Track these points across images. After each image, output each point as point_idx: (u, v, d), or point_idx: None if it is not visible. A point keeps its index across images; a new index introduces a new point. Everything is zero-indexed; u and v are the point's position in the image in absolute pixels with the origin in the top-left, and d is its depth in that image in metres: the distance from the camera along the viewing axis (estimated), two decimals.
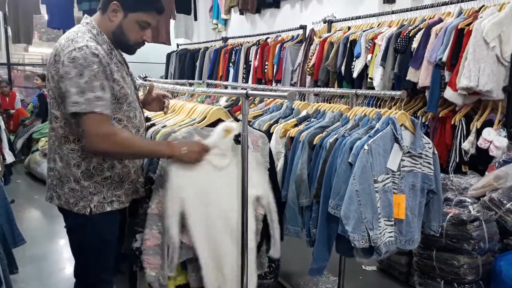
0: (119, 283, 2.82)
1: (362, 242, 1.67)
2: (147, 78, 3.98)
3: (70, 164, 1.55)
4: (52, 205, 1.68)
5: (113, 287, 1.76)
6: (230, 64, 5.74)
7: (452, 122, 2.98)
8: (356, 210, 1.66)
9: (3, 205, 2.80)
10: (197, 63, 6.59)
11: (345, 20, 4.22)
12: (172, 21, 7.12)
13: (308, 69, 4.25)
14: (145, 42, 1.66)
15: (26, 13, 6.39)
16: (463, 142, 2.90)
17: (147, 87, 2.79)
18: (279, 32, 5.24)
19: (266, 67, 5.03)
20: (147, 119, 2.14)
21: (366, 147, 1.66)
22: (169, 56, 7.50)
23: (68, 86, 1.42)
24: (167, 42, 7.16)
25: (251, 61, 5.35)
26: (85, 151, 1.53)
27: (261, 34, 5.60)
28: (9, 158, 4.68)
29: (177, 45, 7.83)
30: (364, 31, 3.70)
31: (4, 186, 4.86)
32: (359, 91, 2.16)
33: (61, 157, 1.56)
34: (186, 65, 6.86)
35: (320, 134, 1.94)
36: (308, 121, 2.15)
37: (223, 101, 3.16)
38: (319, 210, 1.84)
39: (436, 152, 1.91)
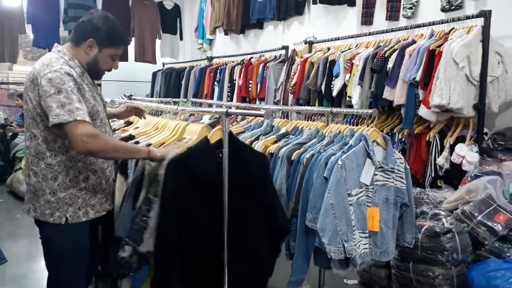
0: None
1: (338, 253, 1.74)
2: (132, 97, 4.05)
3: (47, 178, 1.69)
4: (34, 225, 1.79)
5: None
6: (215, 83, 5.84)
7: (427, 139, 3.11)
8: (332, 222, 1.74)
9: None
10: (183, 82, 6.67)
11: (325, 41, 4.37)
12: (158, 41, 7.25)
13: (290, 88, 4.37)
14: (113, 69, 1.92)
15: (11, 32, 6.42)
16: (438, 157, 3.02)
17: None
18: (262, 52, 5.38)
19: (250, 85, 5.15)
20: (131, 137, 2.20)
21: (340, 162, 1.75)
22: (155, 74, 7.57)
23: (48, 102, 1.58)
24: (153, 61, 7.28)
25: (235, 80, 5.46)
26: (61, 166, 1.70)
27: (245, 54, 5.73)
28: None
29: (163, 64, 7.92)
30: (342, 52, 3.84)
31: None
32: (334, 110, 2.27)
33: (35, 173, 1.70)
34: (171, 83, 6.93)
35: (298, 150, 2.02)
36: (287, 138, 2.24)
37: (206, 119, 3.24)
38: (297, 223, 1.91)
39: (407, 167, 2.01)
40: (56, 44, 1.81)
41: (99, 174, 1.80)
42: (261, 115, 1.54)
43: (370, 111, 2.12)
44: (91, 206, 1.77)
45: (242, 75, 5.29)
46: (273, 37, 5.59)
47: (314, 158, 1.88)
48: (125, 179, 2.09)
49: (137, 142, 2.10)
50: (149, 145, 1.94)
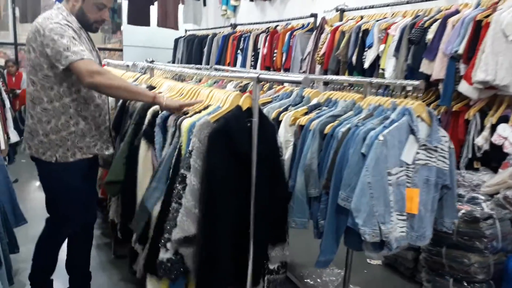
0: (120, 267, 2.80)
1: (373, 236, 1.61)
2: (154, 62, 3.91)
3: (41, 120, 1.90)
4: None
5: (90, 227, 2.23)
6: (238, 51, 5.65)
7: (466, 117, 2.90)
8: (368, 203, 1.60)
9: (5, 184, 2.76)
10: (205, 49, 6.50)
11: (357, 9, 4.11)
12: (180, 6, 7.02)
13: (318, 58, 4.16)
14: (105, 21, 2.03)
15: None
16: (477, 137, 2.82)
17: (152, 70, 2.75)
18: (289, 20, 5.14)
19: (275, 55, 4.94)
20: None
21: (381, 137, 1.59)
22: (176, 41, 7.41)
23: (56, 48, 1.76)
24: (175, 27, 7.08)
25: (259, 48, 5.26)
26: (55, 111, 1.89)
27: (271, 22, 5.49)
28: (14, 137, 4.62)
29: (185, 31, 7.74)
30: (377, 21, 3.60)
31: (8, 165, 4.86)
32: (374, 80, 2.08)
33: (32, 116, 1.91)
34: (193, 51, 6.77)
35: (332, 123, 1.86)
36: (319, 109, 2.08)
37: (230, 87, 3.09)
38: (328, 201, 1.78)
39: (452, 146, 1.83)
40: (56, 2, 1.92)
41: (89, 121, 1.99)
42: (299, 82, 1.39)
43: (415, 82, 1.93)
44: (78, 148, 1.96)
45: (267, 43, 5.08)
46: (301, 5, 5.31)
47: (350, 132, 1.72)
48: (149, 147, 1.98)
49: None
50: (185, 113, 1.81)
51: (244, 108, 1.70)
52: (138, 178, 2.00)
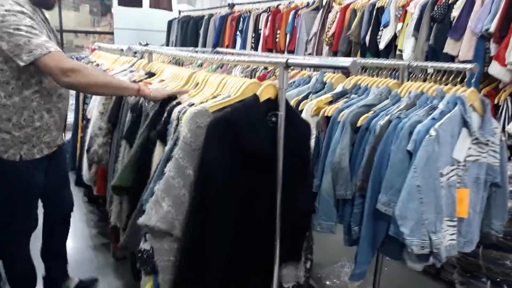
0: (120, 272, 2.57)
1: (422, 247, 1.37)
2: (148, 45, 3.62)
3: (1, 118, 1.70)
4: None
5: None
6: (237, 33, 5.33)
7: (496, 101, 2.66)
8: (417, 209, 1.36)
9: None
10: (201, 31, 6.16)
11: None
12: None
13: (327, 39, 3.88)
14: None
15: None
16: (508, 124, 2.58)
17: (151, 54, 2.47)
18: None
19: (277, 36, 4.64)
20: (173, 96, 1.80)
21: (432, 132, 1.34)
22: (170, 23, 7.04)
23: (13, 41, 1.55)
24: (169, 8, 6.74)
25: (261, 29, 4.95)
26: (15, 106, 1.70)
27: (271, 0, 5.16)
28: None
29: (179, 12, 7.36)
30: None
31: None
32: (414, 63, 1.81)
33: None
34: (188, 33, 6.42)
35: (366, 114, 1.61)
36: (347, 97, 1.82)
37: (236, 72, 2.82)
38: (364, 205, 1.54)
39: (503, 139, 1.59)
40: None
41: (54, 113, 1.83)
42: (344, 68, 1.13)
43: (468, 66, 1.67)
44: (45, 144, 1.83)
45: (269, 24, 4.77)
46: None
47: (392, 125, 1.47)
48: (164, 147, 1.72)
49: (178, 103, 1.70)
50: (192, 105, 1.55)
51: (263, 98, 1.43)
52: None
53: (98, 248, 2.87)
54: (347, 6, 3.70)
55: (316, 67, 2.00)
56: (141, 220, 1.36)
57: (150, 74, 2.38)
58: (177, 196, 1.35)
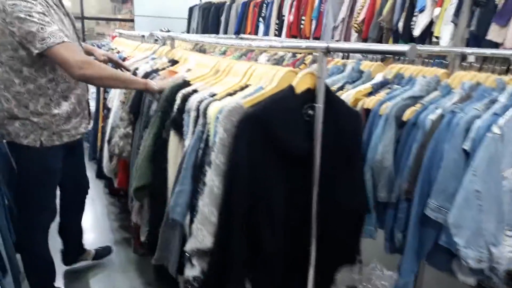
0: (142, 268, 2.48)
1: (479, 260, 1.21)
2: (170, 31, 3.48)
3: (19, 104, 1.67)
4: None
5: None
6: (260, 19, 5.15)
7: None
8: (474, 217, 1.19)
9: (8, 173, 2.43)
10: (222, 18, 6.00)
11: None
12: None
13: (356, 25, 3.67)
14: None
15: None
16: None
17: (173, 40, 2.34)
18: None
19: (302, 22, 4.45)
20: (185, 83, 1.66)
21: (496, 130, 1.17)
22: (191, 10, 6.90)
23: (26, 28, 1.50)
24: None
25: (284, 16, 4.76)
26: (31, 93, 1.66)
27: None
28: None
29: None
30: None
31: None
32: (468, 49, 1.62)
33: (7, 99, 1.67)
34: (210, 20, 6.27)
35: (413, 107, 1.44)
36: (389, 88, 1.65)
37: (263, 60, 2.66)
38: (410, 210, 1.38)
39: None
40: None
41: (72, 100, 1.79)
42: (402, 53, 0.96)
43: None
44: (65, 131, 1.78)
45: (293, 10, 4.57)
46: None
47: (445, 120, 1.30)
48: (180, 138, 1.60)
49: (194, 91, 1.57)
50: (213, 95, 1.41)
51: (300, 90, 1.28)
52: (169, 180, 1.62)
53: (119, 243, 2.77)
54: None
55: (364, 53, 1.82)
56: (192, 246, 1.24)
57: (173, 62, 2.25)
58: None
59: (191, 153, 1.43)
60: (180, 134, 1.60)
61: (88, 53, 2.16)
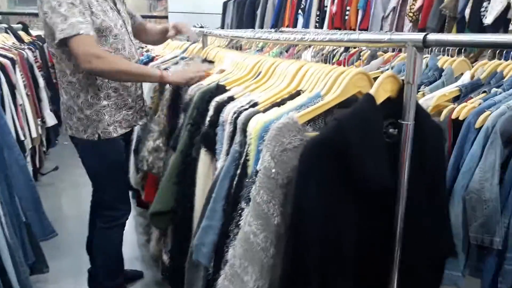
0: None
1: None
2: (203, 27, 3.19)
3: (72, 95, 1.69)
4: None
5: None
6: (299, 11, 4.77)
7: None
8: None
9: (28, 189, 2.20)
10: (258, 12, 5.67)
11: None
12: None
13: (411, 14, 3.23)
14: None
15: None
16: None
17: (206, 37, 2.08)
18: None
19: (347, 13, 4.04)
20: (221, 87, 1.34)
21: None
22: (225, 5, 6.62)
23: (53, 18, 1.51)
24: None
25: (326, 6, 4.35)
26: (81, 83, 1.66)
27: None
28: (50, 120, 4.12)
29: None
30: None
31: (50, 149, 4.36)
32: None
33: (65, 91, 1.71)
34: (245, 14, 5.96)
35: None
36: (485, 92, 1.25)
37: (307, 56, 2.29)
38: None
39: None
40: None
41: (121, 92, 1.75)
42: None
43: None
44: (118, 123, 1.76)
45: (337, 0, 4.17)
46: None
47: None
48: (212, 158, 1.29)
49: (231, 98, 1.25)
50: (255, 104, 1.08)
51: (382, 99, 0.93)
52: (196, 206, 1.33)
53: (146, 261, 2.52)
54: None
55: (477, 46, 1.44)
56: None
57: (206, 62, 1.94)
58: (265, 261, 0.89)
59: (224, 180, 1.12)
60: (213, 152, 1.29)
61: (163, 30, 2.06)
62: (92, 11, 1.58)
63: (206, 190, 1.25)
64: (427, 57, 1.55)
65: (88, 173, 1.87)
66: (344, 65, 1.94)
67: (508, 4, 2.52)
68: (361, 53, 1.90)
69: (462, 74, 1.44)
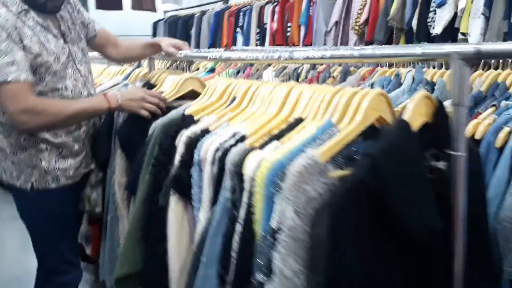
0: None
1: None
2: None
3: (4, 135, 1.40)
4: None
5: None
6: (238, 29, 4.64)
7: None
8: None
9: None
10: (192, 32, 5.47)
11: None
12: None
13: (357, 28, 3.21)
14: None
15: None
16: None
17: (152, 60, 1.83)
18: None
19: (289, 29, 3.96)
20: (188, 117, 1.10)
21: None
22: (155, 25, 6.33)
23: None
24: (153, 9, 6.00)
25: (266, 23, 4.27)
26: (10, 122, 1.36)
27: None
28: None
29: (164, 13, 6.64)
30: None
31: None
32: None
33: None
34: (178, 34, 5.72)
35: None
36: (494, 106, 1.13)
37: (270, 76, 2.11)
38: None
39: None
40: None
41: (63, 138, 1.39)
42: None
43: None
44: (61, 171, 1.41)
45: (276, 16, 4.09)
46: None
47: None
48: (185, 205, 1.06)
49: (205, 132, 1.01)
50: (242, 138, 0.86)
51: (417, 125, 0.75)
52: (172, 265, 1.07)
53: None
54: None
55: None
56: None
57: (149, 86, 1.68)
58: None
59: (215, 237, 0.89)
60: (186, 198, 1.05)
61: (152, 45, 1.63)
62: (24, 45, 1.25)
63: (182, 245, 1.01)
64: (411, 70, 1.43)
65: (27, 227, 1.53)
66: (315, 83, 1.78)
67: (455, 13, 2.56)
68: (331, 70, 1.74)
69: None
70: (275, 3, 4.16)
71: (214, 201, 0.93)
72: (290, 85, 1.00)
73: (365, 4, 3.14)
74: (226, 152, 0.88)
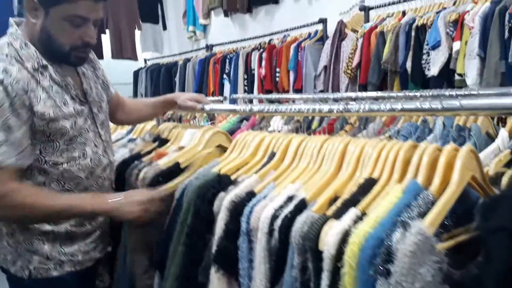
0: None
1: None
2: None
3: None
4: None
5: None
6: (224, 76, 4.62)
7: None
8: None
9: None
10: (176, 79, 5.45)
11: (388, 4, 3.24)
12: (137, 33, 5.93)
13: (349, 72, 3.22)
14: (89, 45, 1.14)
15: None
16: None
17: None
18: (287, 30, 4.18)
19: (277, 74, 3.96)
20: (225, 178, 1.00)
21: None
22: (136, 73, 6.28)
23: None
24: (134, 57, 5.94)
25: (254, 69, 4.26)
26: None
27: (257, 37, 4.51)
28: None
29: (145, 61, 6.61)
30: (437, 12, 2.72)
31: None
32: None
33: None
34: (161, 82, 5.69)
35: None
36: None
37: (279, 125, 2.04)
38: None
39: None
40: (10, 20, 1.15)
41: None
42: None
43: None
44: (67, 256, 1.19)
45: (264, 62, 4.09)
46: (295, 12, 4.39)
47: None
48: (229, 281, 0.93)
49: (251, 194, 0.90)
50: (302, 202, 0.76)
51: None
52: None
53: None
54: (371, 29, 3.09)
55: None
56: None
57: (161, 141, 1.58)
58: None
59: None
60: (232, 274, 0.92)
61: (166, 103, 1.51)
62: (35, 111, 1.06)
63: None
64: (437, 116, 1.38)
65: None
66: (329, 132, 1.71)
67: (449, 56, 2.59)
68: (349, 120, 1.69)
69: (487, 132, 1.28)
70: (261, 50, 4.19)
71: (272, 280, 0.81)
72: (344, 139, 0.92)
73: (356, 48, 3.18)
74: (287, 221, 0.77)
